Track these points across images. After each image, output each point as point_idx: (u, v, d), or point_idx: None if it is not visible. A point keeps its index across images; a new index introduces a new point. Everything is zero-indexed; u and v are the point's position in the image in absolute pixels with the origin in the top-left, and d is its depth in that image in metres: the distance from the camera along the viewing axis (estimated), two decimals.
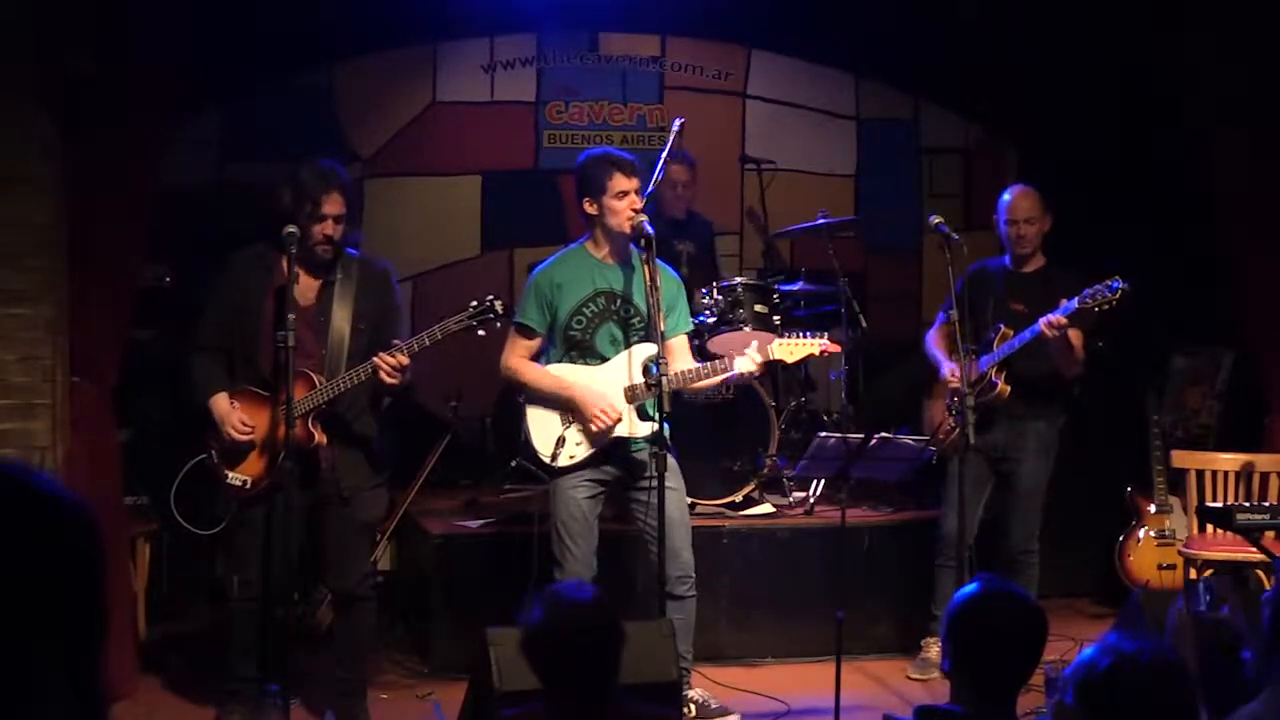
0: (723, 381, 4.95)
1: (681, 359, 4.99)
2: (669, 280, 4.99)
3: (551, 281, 4.94)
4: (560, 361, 4.94)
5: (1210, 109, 6.06)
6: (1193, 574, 5.54)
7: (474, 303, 4.64)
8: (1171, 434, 6.59)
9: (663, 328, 4.71)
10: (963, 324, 5.31)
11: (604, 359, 4.91)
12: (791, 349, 4.85)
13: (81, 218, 5.07)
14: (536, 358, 4.99)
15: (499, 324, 4.67)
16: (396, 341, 4.62)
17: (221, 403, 4.70)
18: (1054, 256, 5.70)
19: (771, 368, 6.37)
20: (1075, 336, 5.40)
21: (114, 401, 5.28)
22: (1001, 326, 5.49)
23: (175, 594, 6.10)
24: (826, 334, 4.99)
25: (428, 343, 4.65)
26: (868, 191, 8.10)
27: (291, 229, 4.55)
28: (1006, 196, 5.68)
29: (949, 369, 5.57)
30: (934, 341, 5.79)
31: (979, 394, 5.40)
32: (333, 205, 4.64)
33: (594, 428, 4.81)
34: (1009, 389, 5.47)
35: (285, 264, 4.57)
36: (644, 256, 4.77)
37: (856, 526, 5.94)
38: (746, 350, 4.84)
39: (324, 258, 4.70)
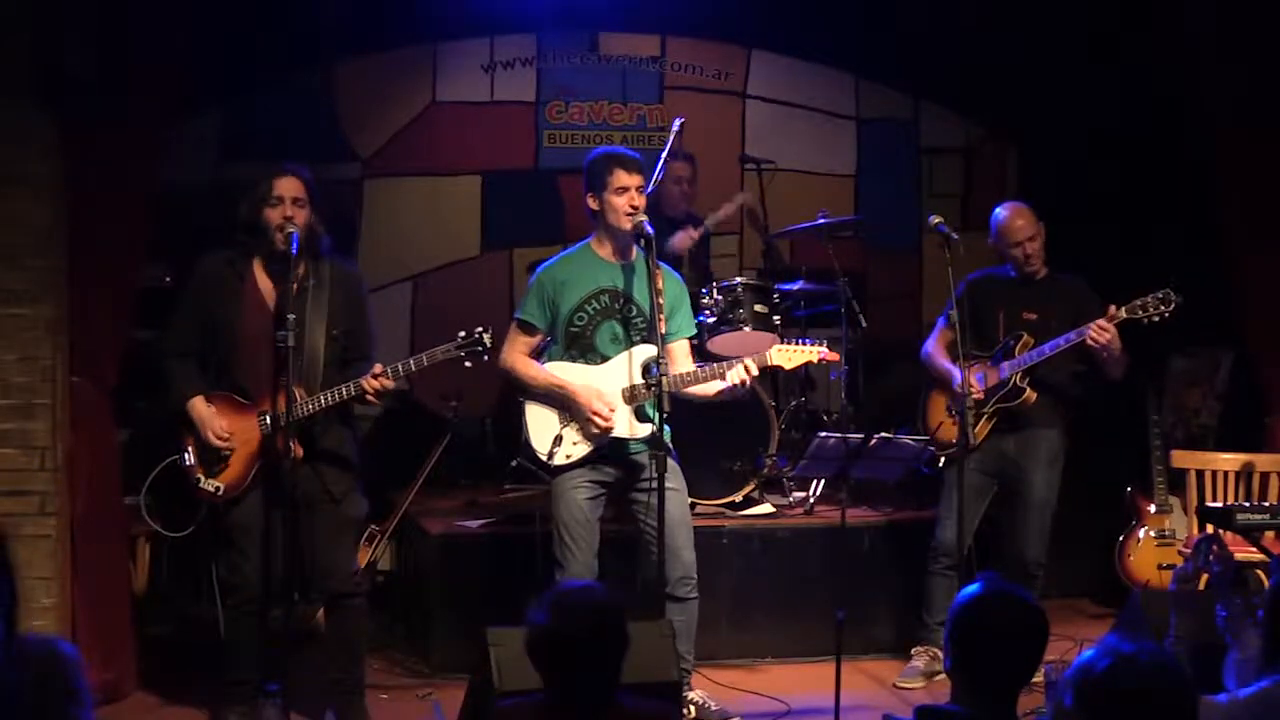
0: (717, 394, 4.89)
1: (682, 363, 4.99)
2: (673, 283, 4.99)
3: (555, 279, 4.95)
4: (561, 359, 4.94)
5: (1210, 109, 6.06)
6: None
7: (462, 333, 4.66)
8: (1171, 434, 6.59)
9: (664, 329, 4.72)
10: (963, 330, 5.31)
11: (605, 357, 4.91)
12: (790, 355, 4.85)
13: (81, 218, 5.07)
14: (538, 356, 5.00)
15: (485, 357, 4.69)
16: (379, 366, 4.61)
17: (199, 406, 4.67)
18: (1053, 260, 5.69)
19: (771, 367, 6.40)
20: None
21: (114, 401, 5.28)
22: (1023, 334, 5.49)
23: (174, 594, 6.11)
24: (825, 342, 4.98)
25: (414, 368, 4.67)
26: (868, 191, 8.11)
27: (292, 229, 4.54)
28: (1003, 216, 5.63)
29: (962, 378, 5.53)
30: (939, 352, 5.71)
31: (1003, 399, 5.42)
32: (286, 187, 4.61)
33: (591, 428, 4.81)
34: (1035, 395, 5.46)
35: (290, 266, 4.55)
36: (646, 257, 4.78)
37: (856, 526, 5.94)
38: (742, 361, 4.81)
39: (285, 248, 4.55)
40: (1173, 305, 5.22)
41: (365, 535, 5.86)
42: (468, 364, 4.68)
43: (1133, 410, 6.33)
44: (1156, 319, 5.25)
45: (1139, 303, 5.26)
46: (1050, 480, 5.61)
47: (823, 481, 6.24)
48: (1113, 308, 5.30)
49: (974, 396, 5.45)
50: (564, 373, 4.91)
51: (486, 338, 4.65)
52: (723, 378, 4.81)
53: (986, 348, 5.56)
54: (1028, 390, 5.47)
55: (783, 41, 7.90)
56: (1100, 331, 5.28)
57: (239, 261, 4.72)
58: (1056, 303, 5.54)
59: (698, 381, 4.88)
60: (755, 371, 4.79)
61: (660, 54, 7.86)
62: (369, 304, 4.94)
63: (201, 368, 4.74)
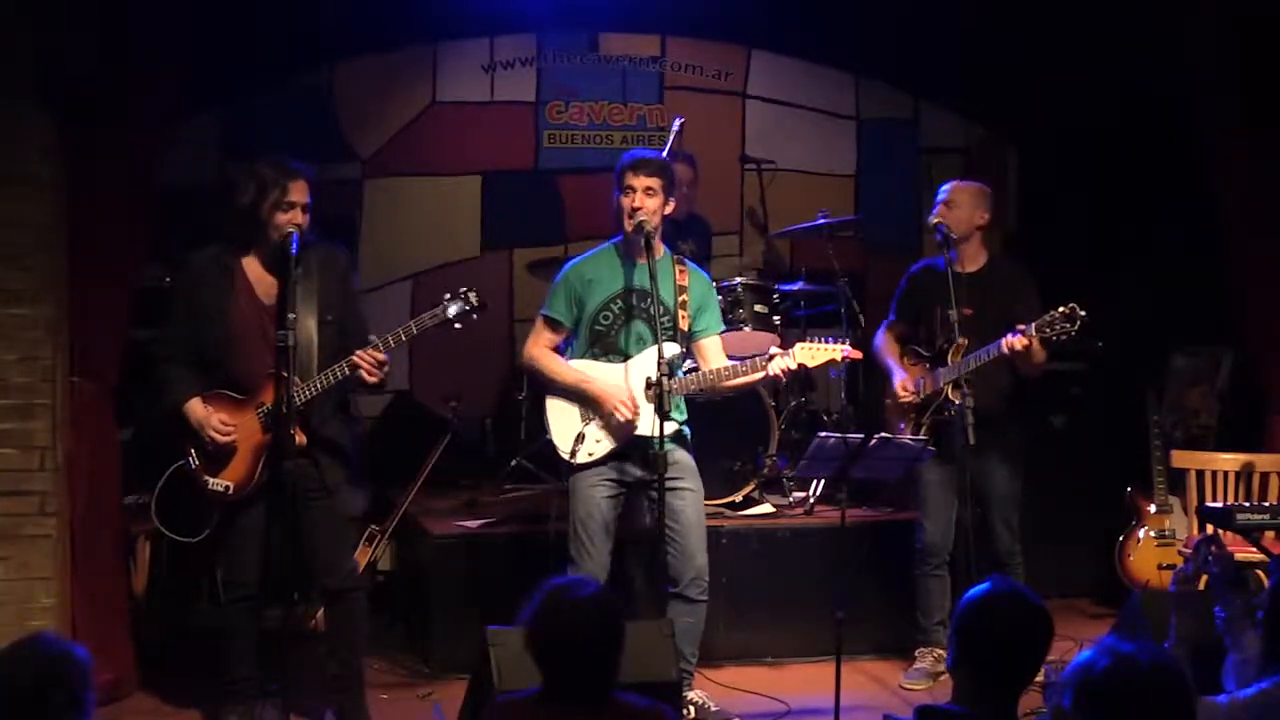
0: (757, 382, 4.93)
1: (715, 358, 4.99)
2: (698, 280, 5.02)
3: (582, 276, 4.96)
4: (583, 357, 4.95)
5: (1210, 109, 6.06)
6: None
7: (447, 295, 4.61)
8: (1171, 434, 6.59)
9: (690, 326, 4.76)
10: (910, 324, 5.22)
11: (627, 356, 4.91)
12: (814, 353, 4.84)
13: (81, 218, 5.07)
14: (560, 351, 5.01)
15: (474, 316, 4.63)
16: (373, 337, 4.58)
17: (196, 408, 4.63)
18: (999, 253, 5.61)
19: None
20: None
21: (114, 401, 5.28)
22: (956, 337, 5.31)
23: (175, 593, 6.10)
24: (848, 340, 4.97)
25: (404, 338, 4.61)
26: (868, 191, 8.12)
27: (291, 230, 4.54)
28: None
29: (900, 379, 5.53)
30: (885, 346, 5.69)
31: (937, 410, 5.36)
32: (299, 193, 4.59)
33: (615, 420, 4.81)
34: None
35: (290, 265, 4.54)
36: (667, 254, 4.79)
37: (856, 526, 5.93)
38: (784, 354, 4.82)
39: (285, 246, 4.55)
40: (1078, 322, 4.98)
41: (365, 535, 5.86)
42: (457, 326, 4.61)
43: (1133, 410, 6.33)
44: (1064, 337, 5.03)
45: (1045, 320, 5.03)
46: (1008, 476, 5.55)
47: (823, 481, 6.24)
48: (1020, 325, 5.10)
49: (910, 400, 5.47)
50: (587, 369, 4.92)
51: (473, 296, 4.58)
52: (758, 370, 4.82)
53: (929, 346, 5.50)
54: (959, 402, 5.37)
55: (783, 41, 7.90)
56: (1009, 350, 5.10)
57: (226, 256, 4.69)
58: (991, 297, 5.43)
59: (733, 376, 4.88)
60: (794, 365, 4.80)
61: (660, 54, 7.87)
62: (355, 282, 4.93)
63: (197, 368, 4.70)
